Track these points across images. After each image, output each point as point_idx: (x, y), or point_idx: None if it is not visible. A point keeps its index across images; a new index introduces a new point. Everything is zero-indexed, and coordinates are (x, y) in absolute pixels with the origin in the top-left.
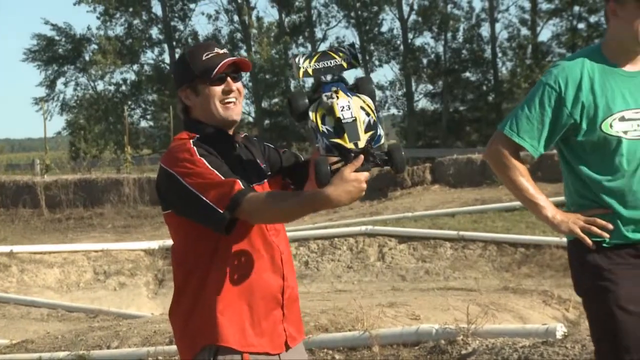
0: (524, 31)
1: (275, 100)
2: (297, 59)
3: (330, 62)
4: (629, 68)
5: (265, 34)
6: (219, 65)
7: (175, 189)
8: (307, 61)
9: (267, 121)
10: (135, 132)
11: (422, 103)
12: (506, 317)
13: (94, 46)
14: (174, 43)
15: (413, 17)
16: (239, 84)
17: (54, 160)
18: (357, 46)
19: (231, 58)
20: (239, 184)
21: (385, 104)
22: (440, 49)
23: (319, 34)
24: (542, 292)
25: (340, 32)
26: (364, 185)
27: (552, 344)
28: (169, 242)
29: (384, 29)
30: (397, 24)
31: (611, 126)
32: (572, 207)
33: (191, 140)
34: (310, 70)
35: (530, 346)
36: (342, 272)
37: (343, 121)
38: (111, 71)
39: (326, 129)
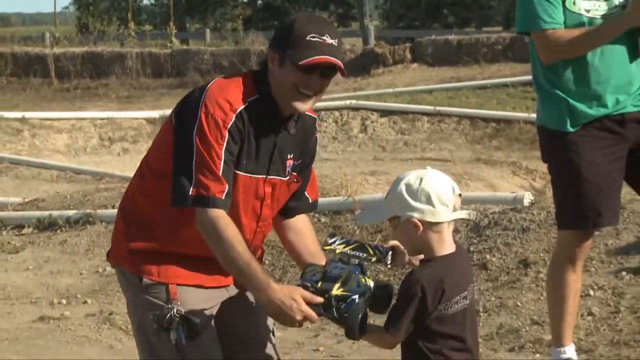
0: None
1: None
2: (333, 239)
3: (362, 254)
4: None
5: None
6: (313, 59)
7: (186, 125)
8: (342, 246)
9: (259, 1)
10: (138, 9)
11: None
12: (478, 185)
13: None
14: None
15: None
16: (326, 81)
17: (63, 33)
18: (390, 252)
19: (330, 58)
20: (221, 193)
21: None
22: None
23: None
24: (511, 163)
25: None
26: (298, 316)
27: (519, 210)
28: (169, 111)
29: None
30: None
31: (574, 3)
32: (538, 83)
33: (240, 109)
34: (337, 251)
35: (500, 212)
36: (328, 143)
37: (335, 268)
38: None
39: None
